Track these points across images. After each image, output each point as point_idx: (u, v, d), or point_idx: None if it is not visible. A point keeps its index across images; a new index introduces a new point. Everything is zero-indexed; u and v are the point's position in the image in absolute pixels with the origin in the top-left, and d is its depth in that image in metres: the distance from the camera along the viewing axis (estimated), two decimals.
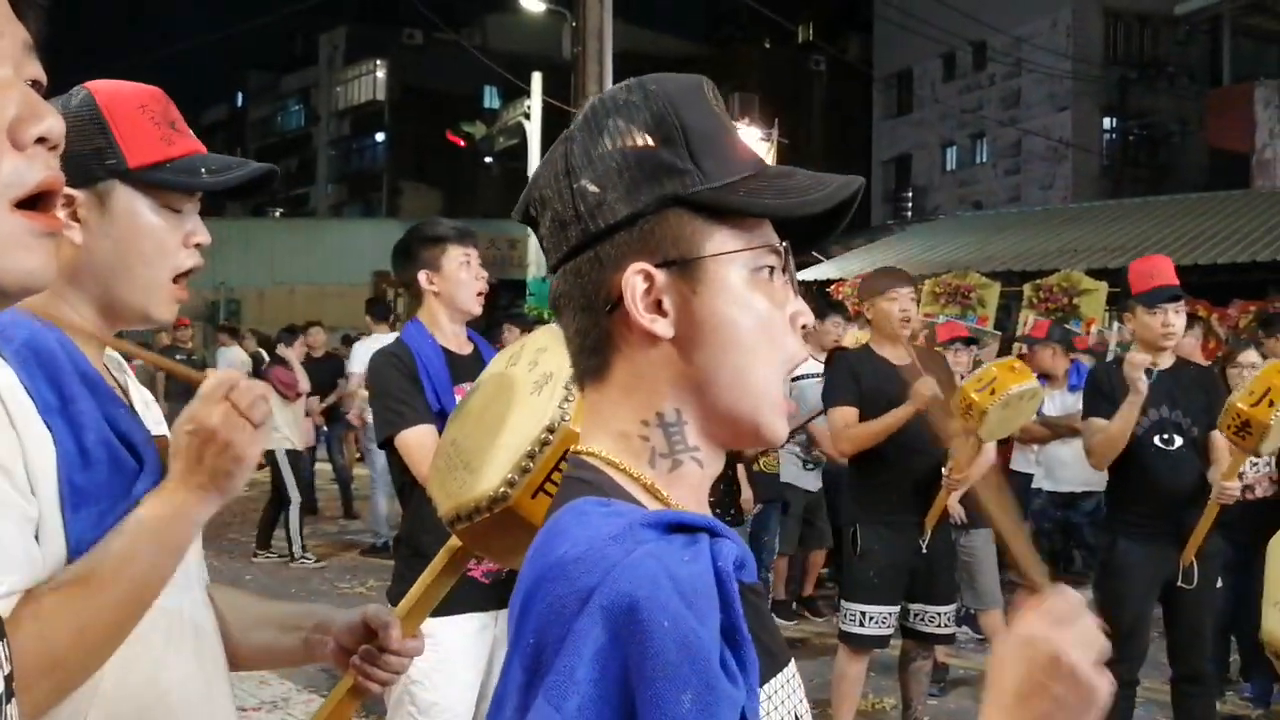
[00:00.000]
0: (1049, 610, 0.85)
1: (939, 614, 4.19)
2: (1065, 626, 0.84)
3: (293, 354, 8.53)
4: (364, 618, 1.44)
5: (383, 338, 9.15)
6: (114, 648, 1.16)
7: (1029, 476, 6.61)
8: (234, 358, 11.69)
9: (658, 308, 0.87)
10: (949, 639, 4.32)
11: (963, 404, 3.87)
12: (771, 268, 0.89)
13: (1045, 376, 6.29)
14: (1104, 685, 0.83)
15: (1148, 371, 3.74)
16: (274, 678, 4.99)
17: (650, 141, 0.88)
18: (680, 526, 0.77)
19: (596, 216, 0.88)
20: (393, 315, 9.02)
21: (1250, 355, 4.88)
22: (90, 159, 1.28)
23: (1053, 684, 0.82)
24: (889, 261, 14.19)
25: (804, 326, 0.92)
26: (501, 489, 1.33)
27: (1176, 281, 3.82)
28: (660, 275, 0.87)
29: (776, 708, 0.86)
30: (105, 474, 1.20)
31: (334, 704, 1.50)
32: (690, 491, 0.90)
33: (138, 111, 1.32)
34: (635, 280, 0.86)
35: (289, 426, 8.08)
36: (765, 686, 0.84)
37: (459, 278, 2.80)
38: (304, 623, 1.49)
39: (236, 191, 1.41)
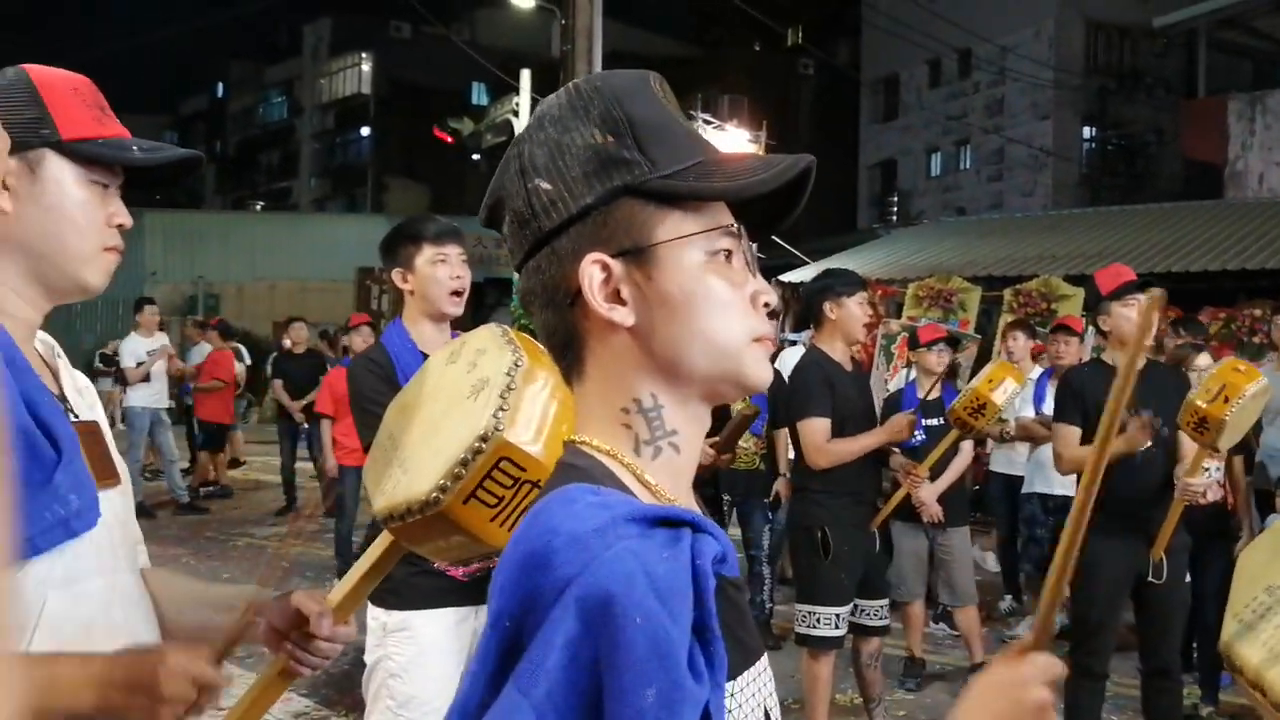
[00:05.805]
0: (1039, 666, 0.95)
1: (881, 607, 4.38)
2: (1046, 685, 0.95)
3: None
4: (295, 603, 1.45)
5: (138, 338, 10.02)
6: None
7: (1018, 479, 6.46)
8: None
9: (616, 297, 0.89)
10: (886, 629, 4.47)
11: (975, 403, 4.21)
12: (728, 251, 0.90)
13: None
14: None
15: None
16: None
17: (597, 137, 0.89)
18: (664, 521, 0.77)
19: (550, 212, 0.89)
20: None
21: (1204, 359, 5.01)
22: (22, 127, 1.30)
23: None
24: (874, 265, 14.30)
25: (766, 305, 0.92)
26: (434, 494, 1.34)
27: (1137, 278, 3.96)
28: (616, 265, 0.88)
29: (746, 700, 0.88)
30: (20, 462, 1.20)
31: (265, 683, 1.51)
32: (672, 479, 0.91)
33: (70, 92, 1.36)
34: (592, 271, 0.88)
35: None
36: (737, 680, 0.86)
37: (432, 276, 2.73)
38: (237, 603, 1.50)
39: (162, 178, 1.44)
